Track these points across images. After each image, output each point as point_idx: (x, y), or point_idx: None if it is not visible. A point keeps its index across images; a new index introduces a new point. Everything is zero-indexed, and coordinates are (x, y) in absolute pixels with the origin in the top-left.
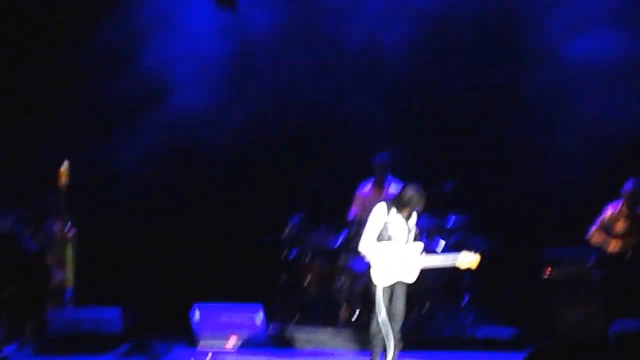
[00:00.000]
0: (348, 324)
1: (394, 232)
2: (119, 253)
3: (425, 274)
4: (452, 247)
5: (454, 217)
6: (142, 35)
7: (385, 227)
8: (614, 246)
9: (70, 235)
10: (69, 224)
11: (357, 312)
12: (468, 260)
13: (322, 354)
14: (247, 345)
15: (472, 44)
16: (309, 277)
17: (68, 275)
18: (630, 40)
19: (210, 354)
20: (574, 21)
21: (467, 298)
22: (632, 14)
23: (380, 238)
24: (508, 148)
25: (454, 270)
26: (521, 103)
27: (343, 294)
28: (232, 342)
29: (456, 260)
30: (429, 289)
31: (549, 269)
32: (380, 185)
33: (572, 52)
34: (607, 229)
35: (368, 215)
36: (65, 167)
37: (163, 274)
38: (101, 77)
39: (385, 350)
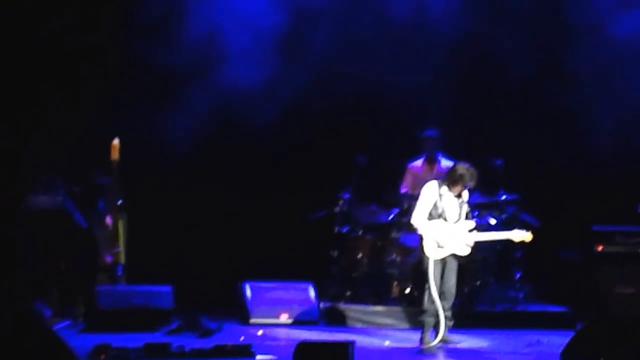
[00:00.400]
0: (399, 300)
1: (446, 209)
2: (170, 230)
3: (476, 249)
4: (504, 224)
5: (504, 193)
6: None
7: (436, 204)
8: None
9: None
10: (120, 200)
11: (409, 288)
12: (521, 235)
13: (374, 331)
14: (298, 323)
15: (521, 18)
16: (360, 252)
17: (119, 251)
18: None
19: (261, 331)
20: None
21: (518, 274)
22: None
23: (431, 216)
24: (557, 123)
25: (505, 246)
26: (570, 77)
27: (394, 269)
28: (284, 319)
29: (508, 236)
30: (480, 264)
31: (600, 245)
32: (431, 161)
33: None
34: None
35: (419, 190)
36: (116, 142)
37: (214, 251)
38: (149, 48)
39: (436, 327)
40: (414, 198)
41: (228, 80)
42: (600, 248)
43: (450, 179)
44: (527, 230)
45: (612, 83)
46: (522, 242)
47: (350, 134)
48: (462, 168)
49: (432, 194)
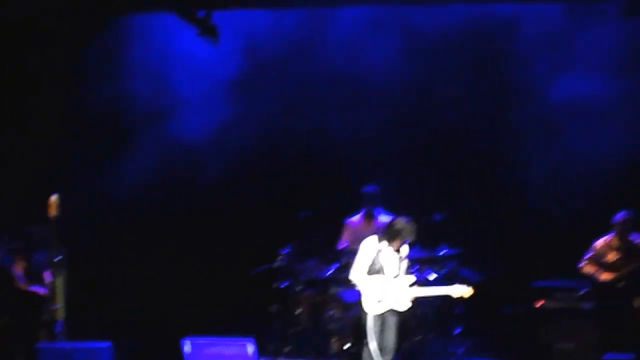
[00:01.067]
0: (339, 355)
1: (384, 264)
2: (110, 285)
3: (416, 304)
4: (444, 279)
5: (444, 248)
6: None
7: (374, 260)
8: (605, 276)
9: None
10: (60, 256)
11: (348, 343)
12: (461, 291)
13: None
14: None
15: (463, 81)
16: (300, 308)
17: (59, 306)
18: (615, 81)
19: None
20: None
21: (458, 329)
22: (616, 57)
23: (371, 270)
24: (498, 179)
25: (445, 301)
26: (510, 138)
27: (334, 324)
28: None
29: (448, 291)
30: (420, 320)
31: (541, 300)
32: (369, 216)
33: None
34: (599, 259)
35: (358, 245)
36: (54, 198)
37: (154, 306)
38: (94, 103)
39: None
40: (352, 253)
41: (173, 133)
42: (540, 303)
43: (388, 234)
44: (468, 285)
45: (553, 144)
46: (462, 298)
47: (292, 189)
48: (401, 223)
49: (370, 249)
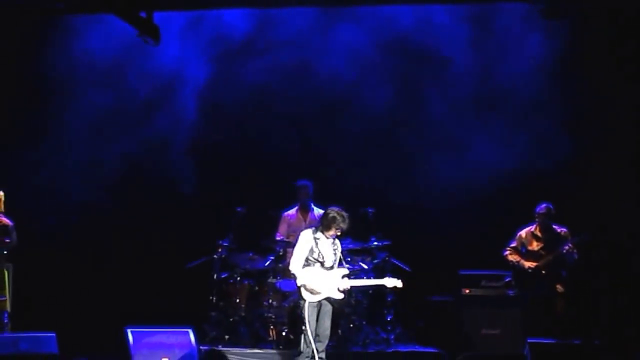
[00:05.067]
0: (276, 342)
1: (321, 254)
2: (53, 278)
3: (350, 293)
4: (375, 269)
5: (375, 240)
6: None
7: (312, 249)
8: (528, 264)
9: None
10: (5, 249)
11: (285, 331)
12: (392, 283)
13: None
14: None
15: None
16: (238, 297)
17: (5, 299)
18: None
19: None
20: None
21: (390, 316)
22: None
23: (309, 261)
24: (425, 177)
25: (377, 290)
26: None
27: (271, 313)
28: None
29: (381, 282)
30: (354, 308)
31: (467, 289)
32: (304, 209)
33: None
34: (521, 248)
35: (294, 236)
36: (0, 194)
37: (96, 298)
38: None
39: None
40: (288, 245)
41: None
42: (466, 291)
43: (323, 223)
44: (398, 274)
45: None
46: (395, 288)
47: (230, 184)
48: (334, 211)
49: (307, 240)
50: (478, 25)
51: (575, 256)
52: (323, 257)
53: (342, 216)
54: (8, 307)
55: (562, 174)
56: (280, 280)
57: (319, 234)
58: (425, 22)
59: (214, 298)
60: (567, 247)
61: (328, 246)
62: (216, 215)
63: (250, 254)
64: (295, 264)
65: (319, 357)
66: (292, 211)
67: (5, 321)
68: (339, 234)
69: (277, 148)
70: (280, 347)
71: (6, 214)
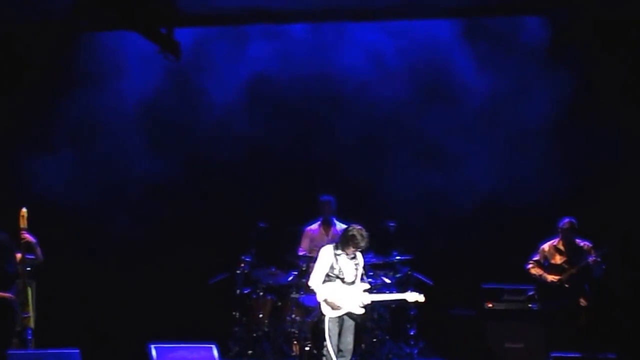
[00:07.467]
0: (299, 357)
1: (343, 269)
2: (77, 295)
3: (372, 307)
4: (398, 283)
5: (397, 254)
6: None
7: (332, 265)
8: (551, 278)
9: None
10: (29, 266)
11: (308, 346)
12: (414, 297)
13: None
14: None
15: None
16: (261, 313)
17: (29, 315)
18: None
19: None
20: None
21: (413, 331)
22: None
23: (329, 277)
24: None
25: (400, 304)
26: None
27: (294, 328)
28: None
29: (403, 297)
30: (376, 322)
31: (489, 302)
32: (326, 224)
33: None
34: (544, 262)
35: (316, 251)
36: (24, 210)
37: (120, 314)
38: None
39: None
40: (311, 260)
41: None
42: (489, 305)
43: (342, 241)
44: (421, 288)
45: None
46: (417, 302)
47: (252, 200)
48: (354, 230)
49: (328, 256)
50: (489, 41)
51: (603, 267)
52: (343, 274)
53: (362, 235)
54: (32, 324)
55: (585, 189)
56: (303, 296)
57: (339, 250)
58: (433, 38)
59: (237, 313)
60: (592, 259)
61: (349, 262)
62: (239, 230)
63: (273, 269)
64: (315, 280)
65: None
66: (315, 226)
67: (29, 338)
68: (358, 252)
69: (301, 163)
70: None
71: (29, 230)
